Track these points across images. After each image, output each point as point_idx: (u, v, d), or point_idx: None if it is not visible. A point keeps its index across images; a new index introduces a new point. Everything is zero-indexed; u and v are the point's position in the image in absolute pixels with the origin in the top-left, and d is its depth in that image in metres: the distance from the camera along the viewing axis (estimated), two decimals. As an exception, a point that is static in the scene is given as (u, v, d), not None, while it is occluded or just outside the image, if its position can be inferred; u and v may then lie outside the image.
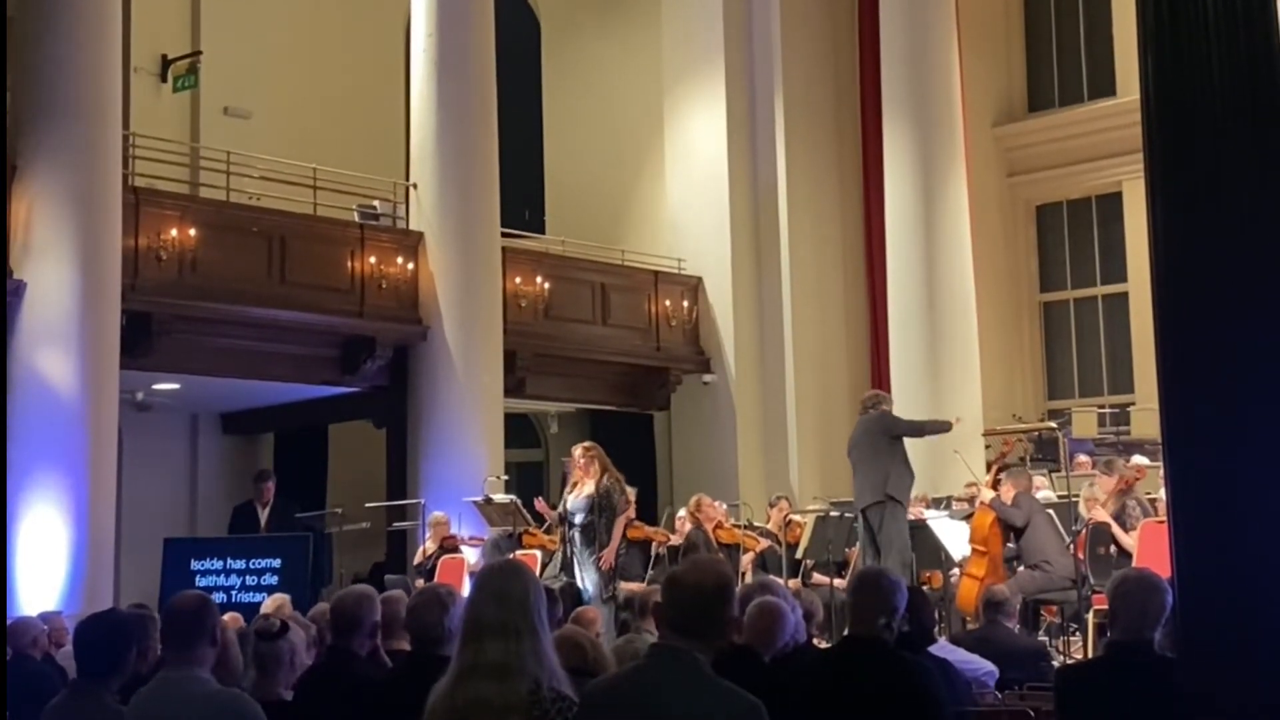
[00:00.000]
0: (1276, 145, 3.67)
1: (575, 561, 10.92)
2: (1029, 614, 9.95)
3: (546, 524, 11.83)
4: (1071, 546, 9.91)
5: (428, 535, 12.55)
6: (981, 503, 10.64)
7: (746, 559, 12.30)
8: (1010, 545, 10.43)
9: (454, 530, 12.65)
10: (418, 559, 12.53)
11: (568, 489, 11.25)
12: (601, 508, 10.83)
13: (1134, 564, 8.94)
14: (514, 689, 3.30)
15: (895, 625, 4.42)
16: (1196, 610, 3.62)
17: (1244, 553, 3.52)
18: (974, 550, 10.38)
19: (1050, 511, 10.41)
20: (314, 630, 6.04)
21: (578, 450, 11.20)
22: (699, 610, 3.31)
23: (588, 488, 10.92)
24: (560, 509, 11.25)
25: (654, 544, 11.93)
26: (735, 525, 12.44)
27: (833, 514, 11.95)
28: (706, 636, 3.31)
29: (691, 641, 3.28)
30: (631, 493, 11.80)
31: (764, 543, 12.43)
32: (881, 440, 10.88)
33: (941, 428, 11.45)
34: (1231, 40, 3.68)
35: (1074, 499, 10.34)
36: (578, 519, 10.91)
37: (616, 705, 3.28)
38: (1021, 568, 10.28)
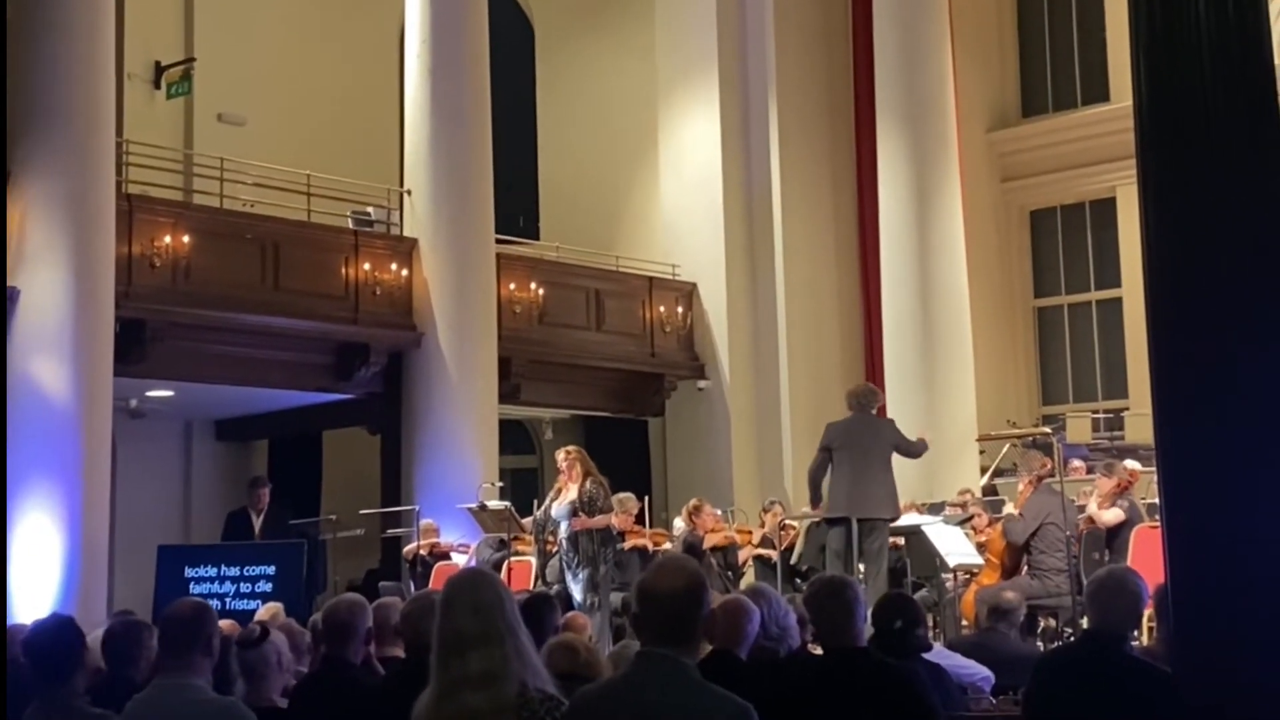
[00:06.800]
0: (1269, 151, 3.68)
1: (564, 568, 10.69)
2: (1026, 620, 9.92)
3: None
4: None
5: (418, 541, 12.64)
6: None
7: (744, 554, 12.33)
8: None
9: (442, 539, 12.72)
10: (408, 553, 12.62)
11: (551, 494, 11.00)
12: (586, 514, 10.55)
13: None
14: (502, 693, 3.31)
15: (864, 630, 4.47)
16: (1190, 615, 3.63)
17: (1237, 557, 3.52)
18: (988, 561, 10.40)
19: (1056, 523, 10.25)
20: (308, 638, 6.03)
21: (561, 454, 10.97)
22: (676, 616, 3.25)
23: (571, 494, 10.64)
24: (539, 515, 11.04)
25: (650, 548, 11.85)
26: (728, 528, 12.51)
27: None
28: (688, 640, 3.27)
29: (673, 647, 3.24)
30: (633, 504, 11.73)
31: (756, 536, 12.48)
32: (888, 451, 10.49)
33: (923, 450, 11.31)
34: (1224, 46, 3.68)
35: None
36: (563, 527, 10.63)
37: (606, 711, 3.27)
38: (1025, 573, 10.27)
